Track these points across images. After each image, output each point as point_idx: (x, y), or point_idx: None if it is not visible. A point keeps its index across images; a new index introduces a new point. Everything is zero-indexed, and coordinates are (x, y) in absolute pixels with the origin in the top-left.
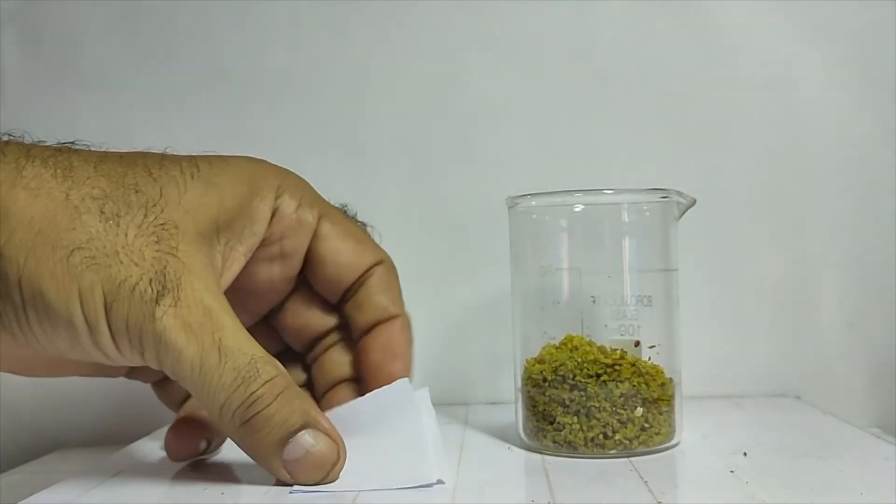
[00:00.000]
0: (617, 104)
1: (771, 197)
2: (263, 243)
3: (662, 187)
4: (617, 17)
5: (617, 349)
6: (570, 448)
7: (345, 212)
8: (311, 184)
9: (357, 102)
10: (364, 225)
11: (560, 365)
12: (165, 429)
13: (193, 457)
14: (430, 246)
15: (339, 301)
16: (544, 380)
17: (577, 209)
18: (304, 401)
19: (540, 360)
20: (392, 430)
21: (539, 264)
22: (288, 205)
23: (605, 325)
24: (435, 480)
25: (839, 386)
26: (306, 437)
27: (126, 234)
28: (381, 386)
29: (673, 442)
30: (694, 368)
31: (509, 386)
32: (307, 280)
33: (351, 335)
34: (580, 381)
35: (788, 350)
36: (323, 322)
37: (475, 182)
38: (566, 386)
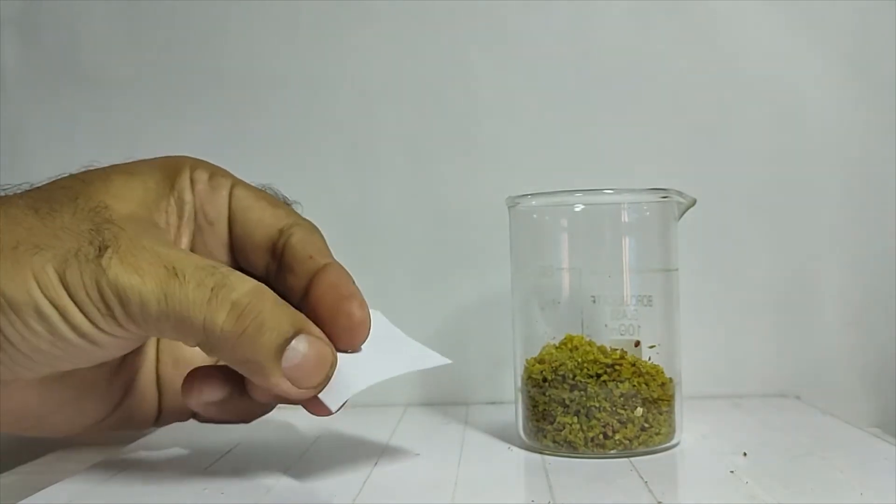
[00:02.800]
0: (617, 104)
1: (771, 197)
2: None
3: (662, 187)
4: (618, 16)
5: (617, 349)
6: (570, 448)
7: (264, 190)
8: (311, 184)
9: (358, 102)
10: (289, 202)
11: (560, 365)
12: (165, 428)
13: (207, 403)
14: (431, 246)
15: (269, 275)
16: (544, 380)
17: (577, 209)
18: (286, 305)
19: (540, 360)
20: (384, 338)
21: (539, 264)
22: (200, 175)
23: (606, 325)
24: (448, 361)
25: (839, 386)
26: (302, 342)
27: (62, 220)
28: (344, 328)
29: (673, 442)
30: (694, 368)
31: (509, 386)
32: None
33: None
34: (580, 381)
35: (788, 350)
36: None
37: (476, 182)
38: (566, 386)
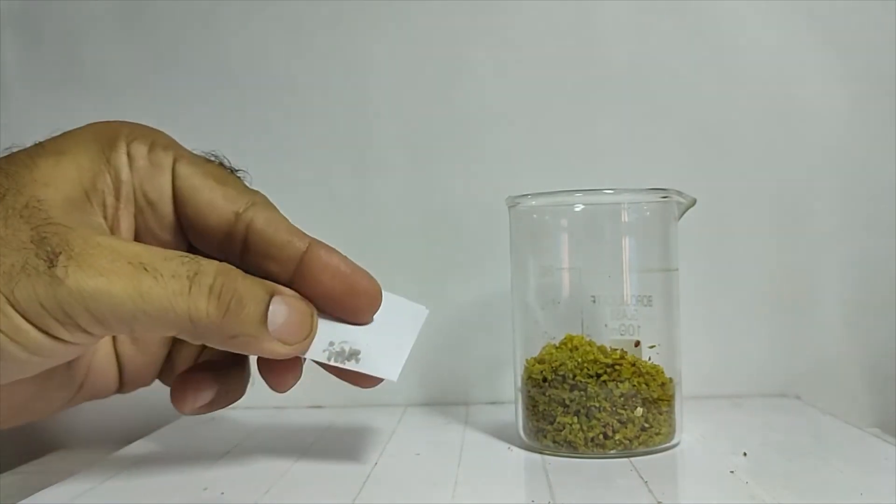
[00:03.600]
0: (617, 104)
1: (771, 197)
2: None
3: (662, 187)
4: (618, 16)
5: (617, 349)
6: (570, 448)
7: (211, 159)
8: (312, 184)
9: (358, 102)
10: (235, 171)
11: (560, 365)
12: (165, 428)
13: (199, 407)
14: (431, 245)
15: (232, 259)
16: (544, 380)
17: (577, 209)
18: (252, 277)
19: (540, 360)
20: (392, 326)
21: (539, 264)
22: (139, 149)
23: (606, 325)
24: (395, 378)
25: (839, 386)
26: (279, 302)
27: None
28: (362, 302)
29: (673, 442)
30: (694, 368)
31: (509, 386)
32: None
33: None
34: (580, 381)
35: (788, 350)
36: None
37: (476, 182)
38: (566, 386)
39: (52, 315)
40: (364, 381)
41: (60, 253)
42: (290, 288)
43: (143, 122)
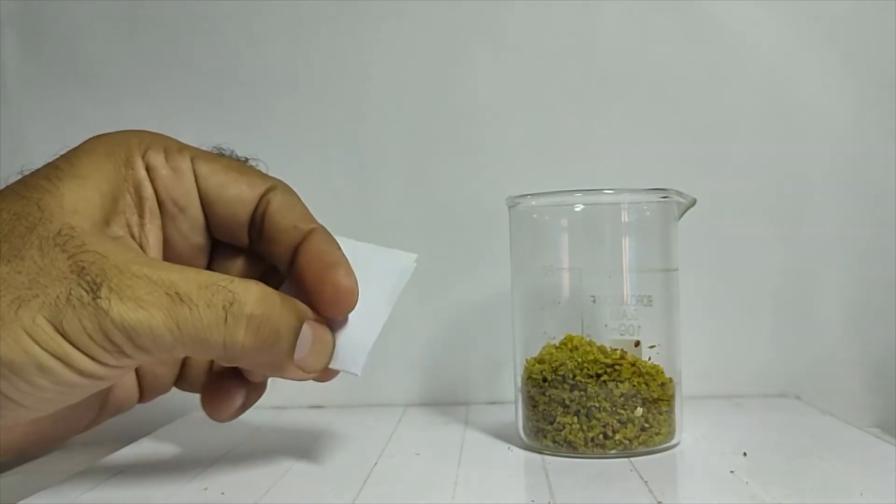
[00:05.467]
0: (617, 104)
1: (771, 197)
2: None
3: (662, 187)
4: (618, 16)
5: (617, 349)
6: (570, 448)
7: (220, 153)
8: (312, 183)
9: (358, 102)
10: (245, 159)
11: (560, 365)
12: (165, 428)
13: (234, 412)
14: (431, 245)
15: (253, 244)
16: (544, 380)
17: (577, 209)
18: (287, 297)
19: (540, 360)
20: (359, 266)
21: (539, 264)
22: (156, 159)
23: (606, 325)
24: (358, 374)
25: (839, 386)
26: (307, 331)
27: (34, 261)
28: (331, 297)
29: (673, 442)
30: (694, 368)
31: (509, 386)
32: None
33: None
34: (580, 381)
35: (788, 350)
36: (253, 276)
37: (476, 182)
38: (566, 386)
39: (100, 344)
40: (324, 374)
41: (101, 284)
42: (287, 273)
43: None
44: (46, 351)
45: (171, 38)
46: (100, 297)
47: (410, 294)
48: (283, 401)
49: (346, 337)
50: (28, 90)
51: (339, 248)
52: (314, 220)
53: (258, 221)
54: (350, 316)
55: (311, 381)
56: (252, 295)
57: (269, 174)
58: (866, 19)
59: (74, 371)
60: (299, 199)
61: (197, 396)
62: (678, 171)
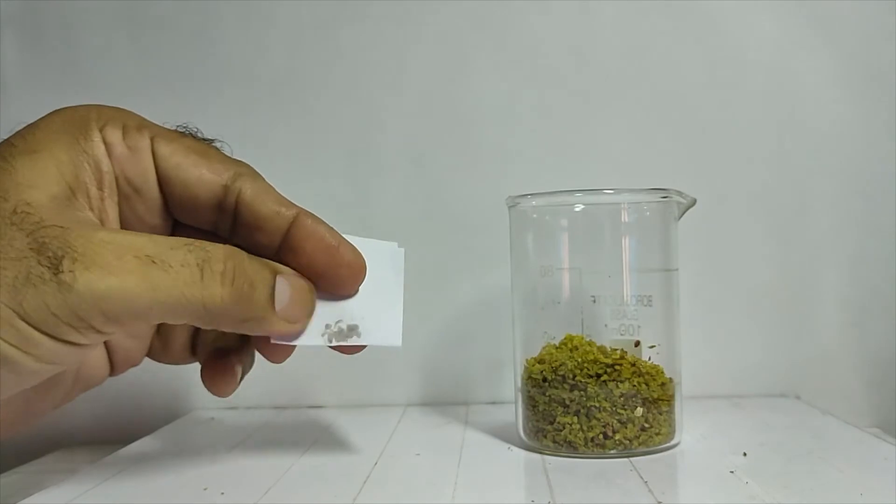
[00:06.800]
0: (617, 104)
1: (771, 197)
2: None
3: (662, 187)
4: (618, 17)
5: (617, 349)
6: (570, 448)
7: (184, 132)
8: (311, 184)
9: (358, 102)
10: (210, 140)
11: (560, 365)
12: (165, 428)
13: (234, 386)
14: (431, 245)
15: (220, 230)
16: (544, 380)
17: (577, 209)
18: (255, 257)
19: (540, 360)
20: (377, 281)
21: (539, 264)
22: (113, 134)
23: (606, 325)
24: (399, 344)
25: (839, 386)
26: (282, 281)
27: None
28: (343, 276)
29: (673, 442)
30: (694, 368)
31: (509, 386)
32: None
33: None
34: (580, 381)
35: (788, 350)
36: None
37: (476, 182)
38: (566, 386)
39: (66, 322)
40: (350, 350)
41: (63, 256)
42: (278, 259)
43: None
44: (5, 340)
45: (171, 38)
46: (62, 272)
47: (411, 294)
48: (283, 401)
49: (373, 315)
50: (28, 90)
51: (330, 226)
52: (293, 203)
53: (229, 210)
54: (368, 297)
55: (313, 381)
56: (220, 250)
57: (235, 158)
58: (866, 19)
59: (34, 357)
60: (267, 181)
61: (197, 394)
62: (678, 170)
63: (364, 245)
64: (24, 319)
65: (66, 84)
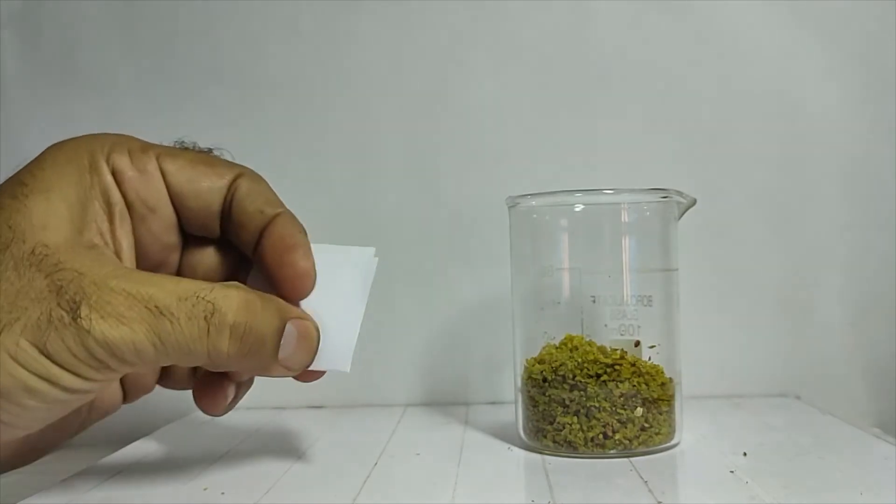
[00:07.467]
0: (617, 105)
1: (771, 197)
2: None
3: (662, 187)
4: (618, 17)
5: (617, 349)
6: (570, 448)
7: (183, 146)
8: (311, 184)
9: (358, 102)
10: (210, 150)
11: (560, 365)
12: (165, 428)
13: (227, 407)
14: (431, 246)
15: (224, 233)
16: (544, 380)
17: (577, 209)
18: (268, 299)
19: (540, 360)
20: (339, 296)
21: (539, 264)
22: (121, 161)
23: (605, 325)
24: (347, 370)
25: (839, 386)
26: (290, 330)
27: (11, 283)
28: (289, 279)
29: (673, 442)
30: (694, 368)
31: (509, 386)
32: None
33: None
34: (580, 381)
35: (788, 350)
36: (226, 266)
37: (475, 182)
38: (566, 386)
39: (84, 362)
40: (308, 376)
41: (81, 302)
42: (252, 257)
43: (141, 123)
44: (33, 373)
45: (170, 39)
46: (80, 317)
47: (411, 294)
48: (283, 401)
49: (327, 337)
50: (27, 90)
51: (303, 231)
52: (281, 205)
53: (227, 209)
54: (326, 317)
55: (310, 382)
56: (233, 303)
57: (238, 163)
58: (866, 19)
59: (61, 389)
60: (267, 185)
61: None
62: (678, 171)
63: (333, 253)
64: (47, 357)
65: (66, 84)
